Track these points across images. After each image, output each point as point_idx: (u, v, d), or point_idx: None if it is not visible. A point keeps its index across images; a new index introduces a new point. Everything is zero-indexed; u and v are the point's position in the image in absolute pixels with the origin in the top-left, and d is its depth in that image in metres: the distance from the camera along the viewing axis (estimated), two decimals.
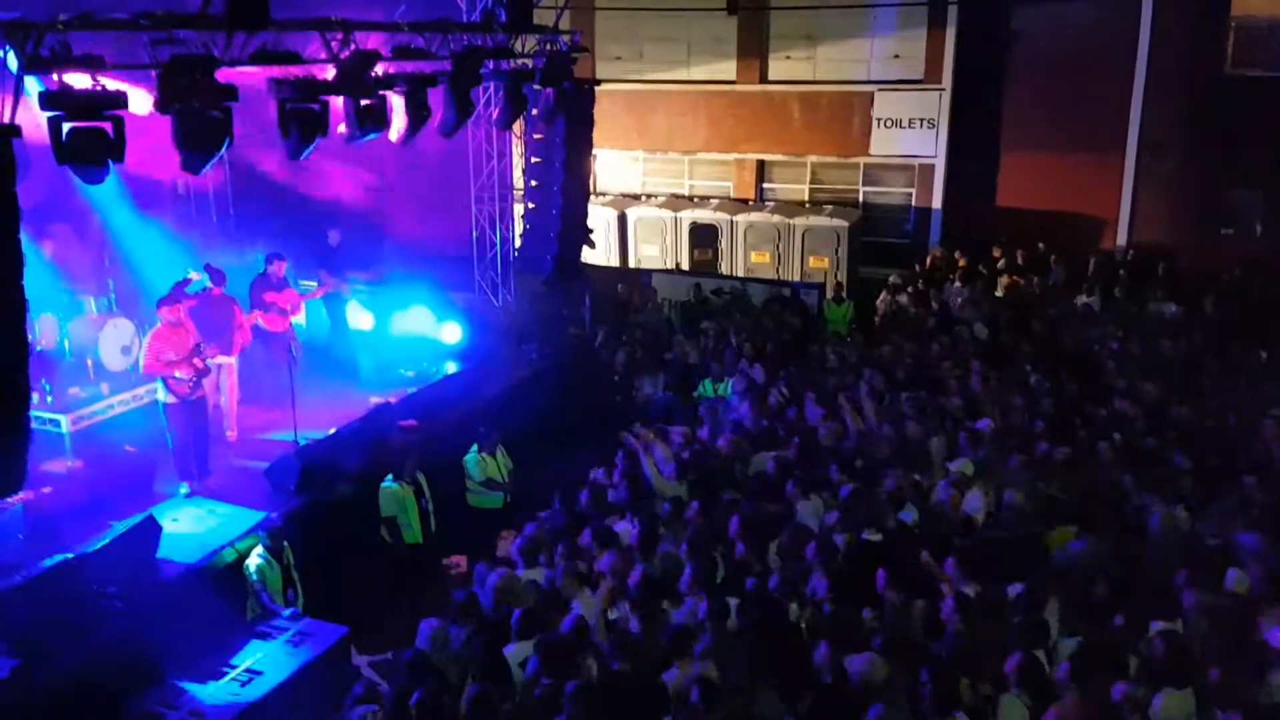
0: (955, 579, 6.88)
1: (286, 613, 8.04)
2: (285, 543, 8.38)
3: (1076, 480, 8.81)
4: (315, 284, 12.67)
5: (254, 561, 8.18)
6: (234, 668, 7.34)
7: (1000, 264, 17.53)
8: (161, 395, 9.67)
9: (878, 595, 6.80)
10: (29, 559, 8.05)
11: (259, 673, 7.30)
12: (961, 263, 17.75)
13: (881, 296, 16.57)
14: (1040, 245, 17.85)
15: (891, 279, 17.01)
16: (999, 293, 16.59)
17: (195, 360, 9.69)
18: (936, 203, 19.59)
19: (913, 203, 20.02)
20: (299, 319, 12.37)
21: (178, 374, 9.57)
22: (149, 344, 9.58)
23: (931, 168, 19.52)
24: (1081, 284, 16.35)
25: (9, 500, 7.77)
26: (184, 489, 9.66)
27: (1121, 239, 18.53)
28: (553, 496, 9.00)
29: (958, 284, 16.77)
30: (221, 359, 10.80)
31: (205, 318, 10.41)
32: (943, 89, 19.08)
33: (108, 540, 8.15)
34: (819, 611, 6.63)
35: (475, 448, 10.23)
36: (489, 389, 12.59)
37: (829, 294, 17.14)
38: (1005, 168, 19.37)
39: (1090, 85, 18.10)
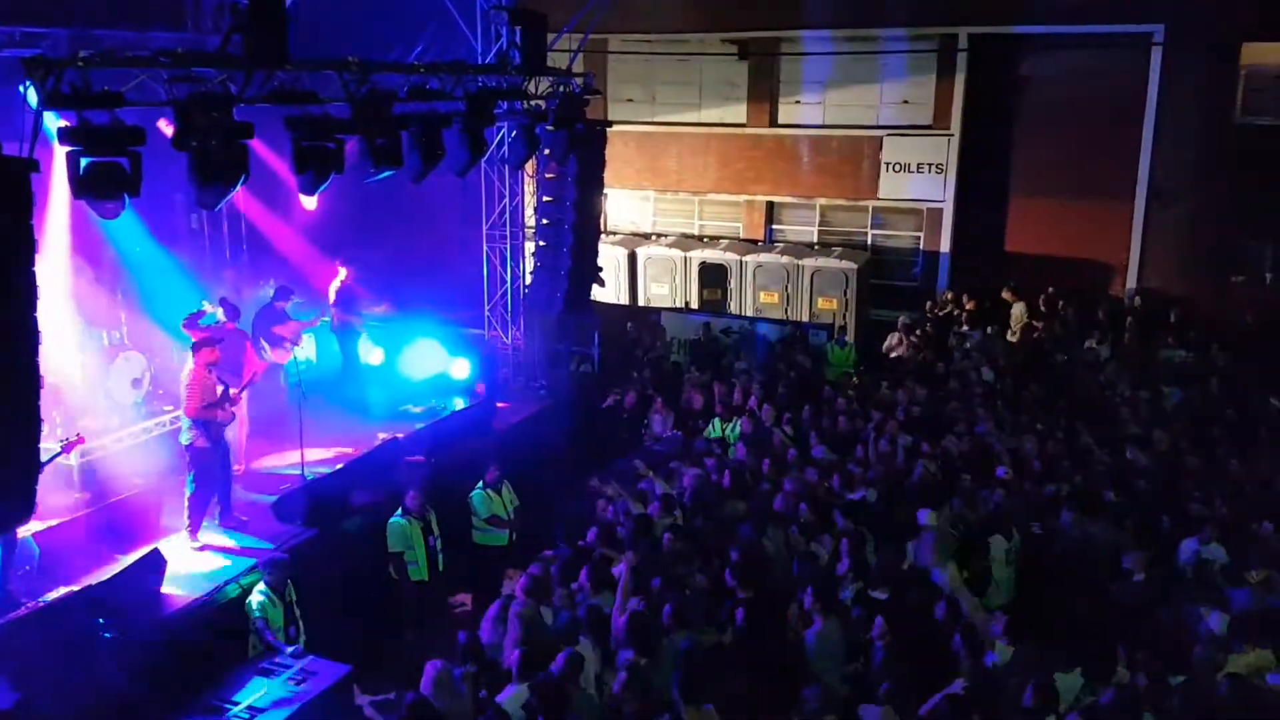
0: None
1: (289, 650, 7.98)
2: (288, 580, 8.32)
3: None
4: (315, 314, 12.72)
5: (256, 598, 8.13)
6: (236, 705, 7.27)
7: (1016, 310, 17.44)
8: (193, 439, 9.31)
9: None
10: (34, 591, 8.03)
11: (260, 710, 7.23)
12: (970, 306, 17.73)
13: (891, 339, 16.51)
14: (1050, 290, 17.86)
15: (901, 320, 17.00)
16: (1011, 337, 16.54)
17: (228, 406, 9.49)
18: (945, 246, 19.64)
19: (921, 246, 20.07)
20: (303, 351, 12.39)
21: (217, 418, 9.38)
22: (191, 387, 9.27)
23: (940, 212, 19.60)
24: (1091, 330, 16.31)
25: (16, 531, 7.75)
26: (193, 544, 9.31)
27: (1131, 285, 18.50)
28: (557, 533, 8.96)
29: (965, 328, 16.74)
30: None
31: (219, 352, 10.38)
32: (951, 134, 19.21)
33: (113, 574, 8.13)
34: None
35: (481, 484, 10.19)
36: (496, 425, 12.59)
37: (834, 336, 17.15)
38: (1014, 213, 19.43)
39: (1100, 132, 18.19)
